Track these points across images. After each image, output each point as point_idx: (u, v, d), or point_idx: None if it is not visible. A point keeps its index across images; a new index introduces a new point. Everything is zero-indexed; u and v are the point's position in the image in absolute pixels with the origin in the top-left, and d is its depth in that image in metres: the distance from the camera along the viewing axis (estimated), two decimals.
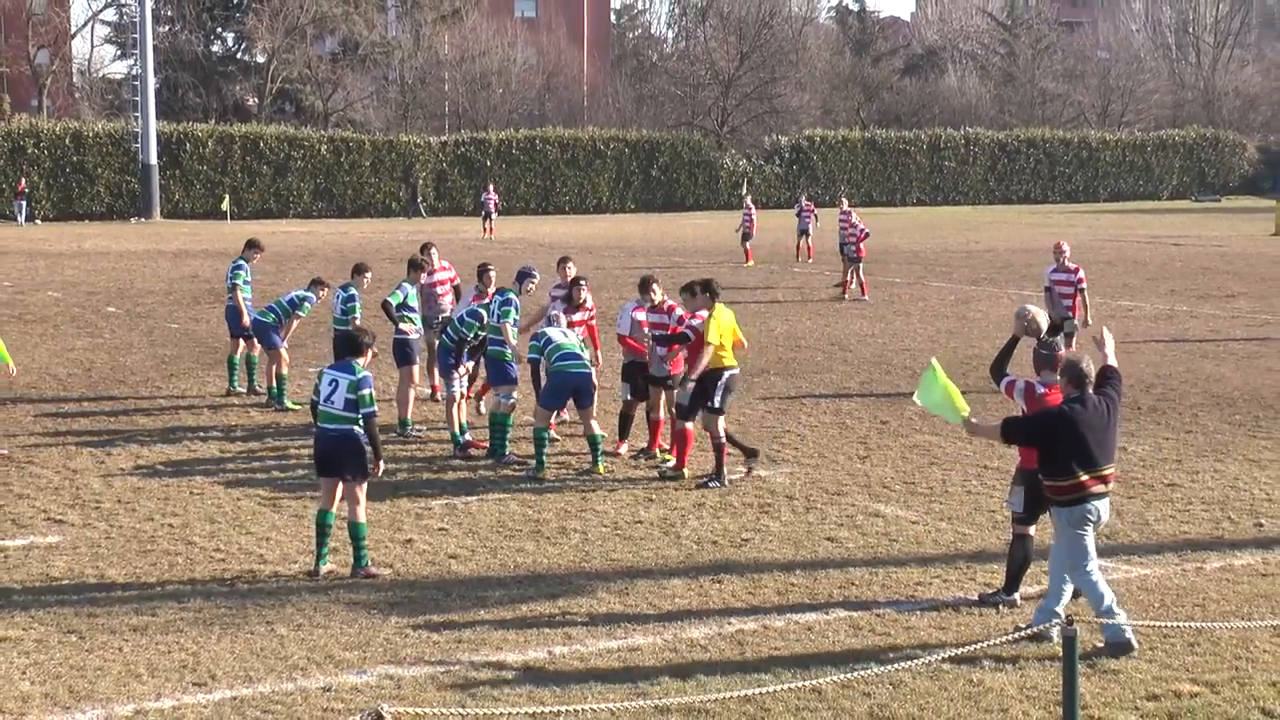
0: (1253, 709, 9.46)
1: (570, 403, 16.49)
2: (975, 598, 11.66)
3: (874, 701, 9.55)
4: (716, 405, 15.51)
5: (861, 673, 9.64)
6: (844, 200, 39.55)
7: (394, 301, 18.35)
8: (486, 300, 18.02)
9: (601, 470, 15.98)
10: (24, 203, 65.04)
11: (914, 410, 19.80)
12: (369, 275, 19.19)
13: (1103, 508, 10.61)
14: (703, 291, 15.78)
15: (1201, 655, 10.40)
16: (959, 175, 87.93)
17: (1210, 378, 22.39)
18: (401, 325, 18.36)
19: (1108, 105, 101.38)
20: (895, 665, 9.79)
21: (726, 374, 15.59)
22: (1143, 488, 15.43)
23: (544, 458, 15.93)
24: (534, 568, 12.59)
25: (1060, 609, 10.60)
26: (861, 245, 33.79)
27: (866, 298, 33.29)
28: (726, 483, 15.43)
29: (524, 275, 18.18)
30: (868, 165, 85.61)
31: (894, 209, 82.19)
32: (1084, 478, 10.45)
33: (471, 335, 17.19)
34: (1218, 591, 11.90)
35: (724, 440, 15.59)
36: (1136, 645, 10.36)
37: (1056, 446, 10.45)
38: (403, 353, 18.36)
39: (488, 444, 16.89)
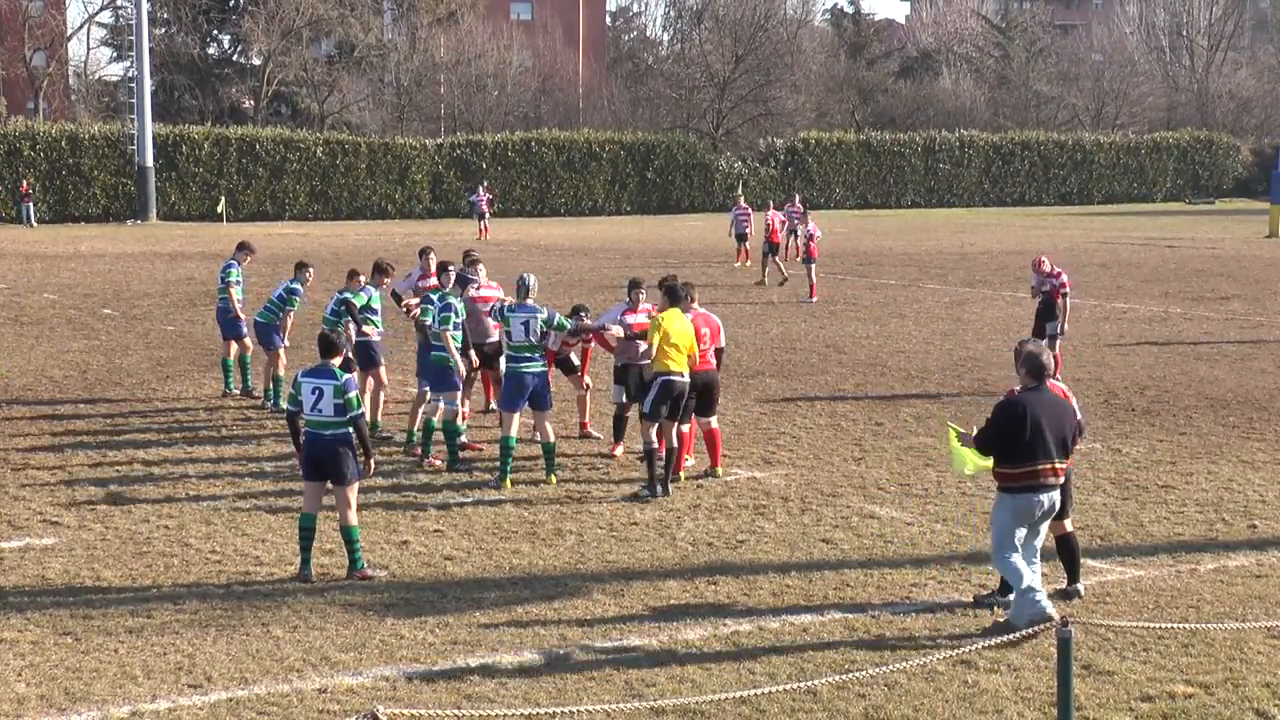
0: (1247, 710, 9.48)
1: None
2: (970, 599, 11.69)
3: (869, 703, 9.57)
4: (647, 410, 15.17)
5: (857, 674, 9.66)
6: (772, 202, 43.85)
7: (358, 303, 18.21)
8: (432, 278, 18.61)
9: (553, 481, 15.62)
10: (29, 205, 65.04)
11: (909, 412, 19.84)
12: (362, 279, 19.17)
13: (1049, 501, 10.96)
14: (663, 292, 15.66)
15: (1196, 656, 10.43)
16: (953, 178, 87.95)
17: (1204, 380, 22.43)
18: (364, 328, 18.20)
19: (1102, 108, 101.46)
20: (890, 667, 9.81)
21: (660, 379, 14.99)
22: (1137, 489, 15.45)
23: (509, 468, 15.46)
24: (529, 569, 12.61)
25: (1031, 584, 10.84)
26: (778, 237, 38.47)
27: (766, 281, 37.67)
28: (659, 493, 14.93)
29: (463, 280, 17.97)
30: (863, 167, 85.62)
31: (889, 211, 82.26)
32: (1035, 467, 10.84)
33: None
34: (1212, 593, 11.93)
35: (654, 446, 15.07)
36: (1055, 615, 10.61)
37: (1012, 433, 10.84)
38: (366, 355, 18.15)
39: (477, 445, 16.86)
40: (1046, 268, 21.90)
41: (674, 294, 15.35)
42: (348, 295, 18.24)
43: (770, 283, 37.35)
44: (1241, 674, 10.11)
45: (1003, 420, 10.96)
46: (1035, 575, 11.00)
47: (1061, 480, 11.06)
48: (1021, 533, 11.01)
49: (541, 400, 15.64)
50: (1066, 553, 11.74)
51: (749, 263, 42.81)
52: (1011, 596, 11.53)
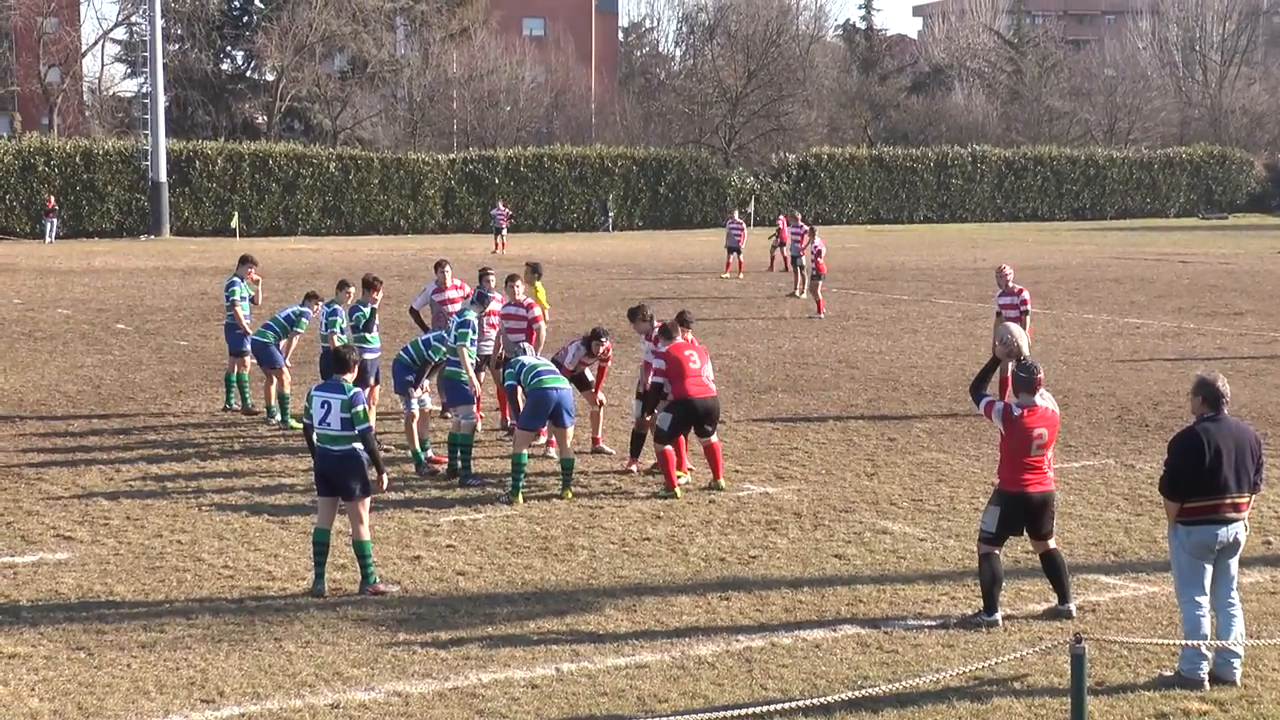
0: None
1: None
2: (958, 619, 11.58)
3: (882, 719, 9.54)
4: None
5: (870, 691, 9.63)
6: (797, 215, 44.24)
7: (354, 323, 18.20)
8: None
9: (569, 496, 15.59)
10: (54, 221, 65.13)
11: (921, 427, 19.80)
12: (352, 290, 19.19)
13: (1229, 534, 10.24)
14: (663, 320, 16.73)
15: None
16: (966, 193, 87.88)
17: None
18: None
19: (1114, 123, 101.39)
20: (904, 683, 9.78)
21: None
22: (1151, 505, 15.39)
23: (521, 484, 15.48)
24: (541, 585, 12.60)
25: (1200, 639, 10.21)
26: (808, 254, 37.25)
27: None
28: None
29: (482, 298, 17.98)
30: (875, 183, 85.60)
31: (901, 226, 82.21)
32: (1213, 501, 10.15)
33: (437, 358, 17.17)
34: None
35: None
36: (1208, 686, 10.06)
37: (1193, 467, 10.14)
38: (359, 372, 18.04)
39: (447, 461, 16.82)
40: (1009, 274, 21.30)
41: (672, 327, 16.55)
42: (347, 326, 18.27)
43: (795, 292, 38.54)
44: (1256, 691, 10.07)
45: (1182, 456, 10.19)
46: (1233, 625, 10.33)
47: (1245, 514, 10.27)
48: (1207, 569, 10.25)
49: (567, 415, 15.66)
50: (1052, 571, 11.61)
51: (742, 274, 44.22)
52: (995, 616, 11.38)
